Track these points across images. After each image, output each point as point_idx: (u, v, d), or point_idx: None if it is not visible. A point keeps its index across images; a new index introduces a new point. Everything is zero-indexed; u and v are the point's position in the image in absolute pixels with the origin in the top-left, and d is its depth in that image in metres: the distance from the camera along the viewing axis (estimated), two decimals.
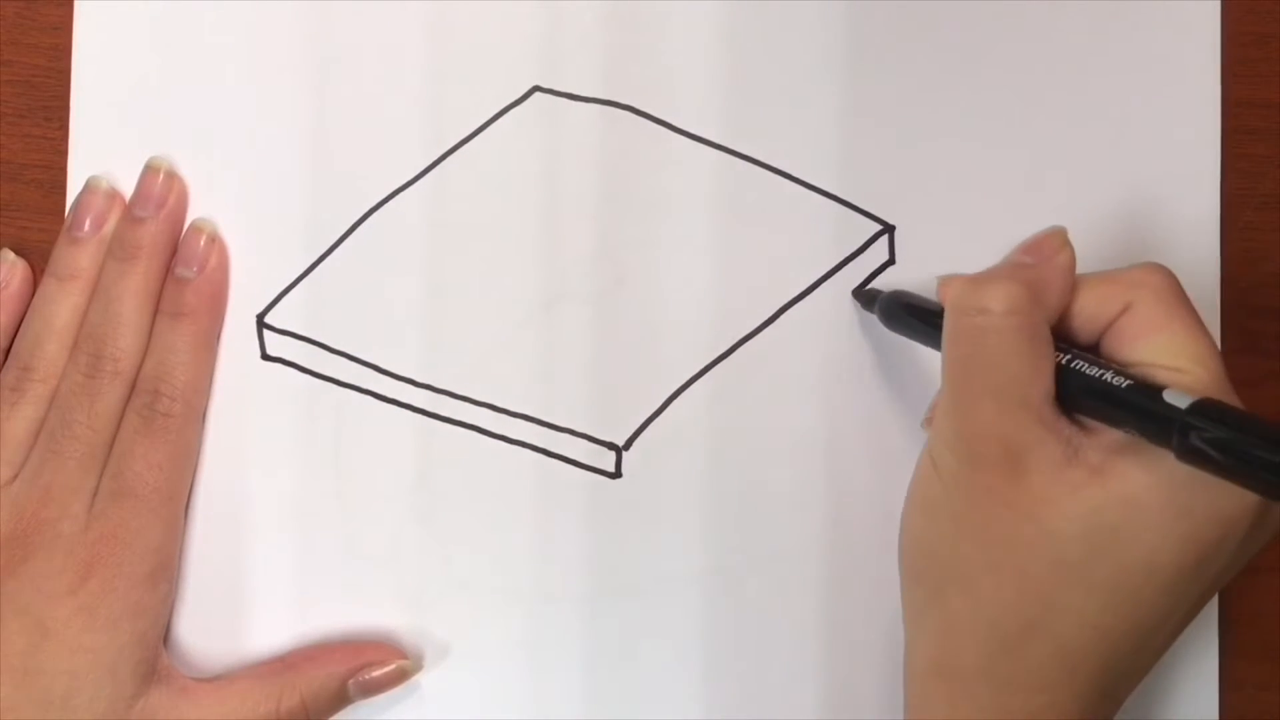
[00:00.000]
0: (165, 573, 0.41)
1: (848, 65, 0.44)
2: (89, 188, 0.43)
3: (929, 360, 0.43)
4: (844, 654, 0.40)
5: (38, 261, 0.44)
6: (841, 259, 0.43)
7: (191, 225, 0.43)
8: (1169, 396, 0.34)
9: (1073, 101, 0.44)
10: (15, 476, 0.41)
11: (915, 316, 0.40)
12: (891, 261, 0.43)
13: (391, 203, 0.44)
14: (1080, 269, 0.37)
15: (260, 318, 0.44)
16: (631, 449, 0.43)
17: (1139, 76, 0.44)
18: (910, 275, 0.43)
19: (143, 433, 0.41)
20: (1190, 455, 0.32)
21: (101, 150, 0.44)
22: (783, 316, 0.43)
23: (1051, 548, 0.35)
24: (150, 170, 0.43)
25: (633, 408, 0.43)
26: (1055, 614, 0.35)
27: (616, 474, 0.43)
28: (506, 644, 0.43)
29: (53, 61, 0.44)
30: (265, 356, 0.44)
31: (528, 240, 0.44)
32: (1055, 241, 0.38)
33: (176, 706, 0.41)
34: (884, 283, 0.43)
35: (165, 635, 0.42)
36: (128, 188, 0.43)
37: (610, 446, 0.43)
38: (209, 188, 0.44)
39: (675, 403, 0.43)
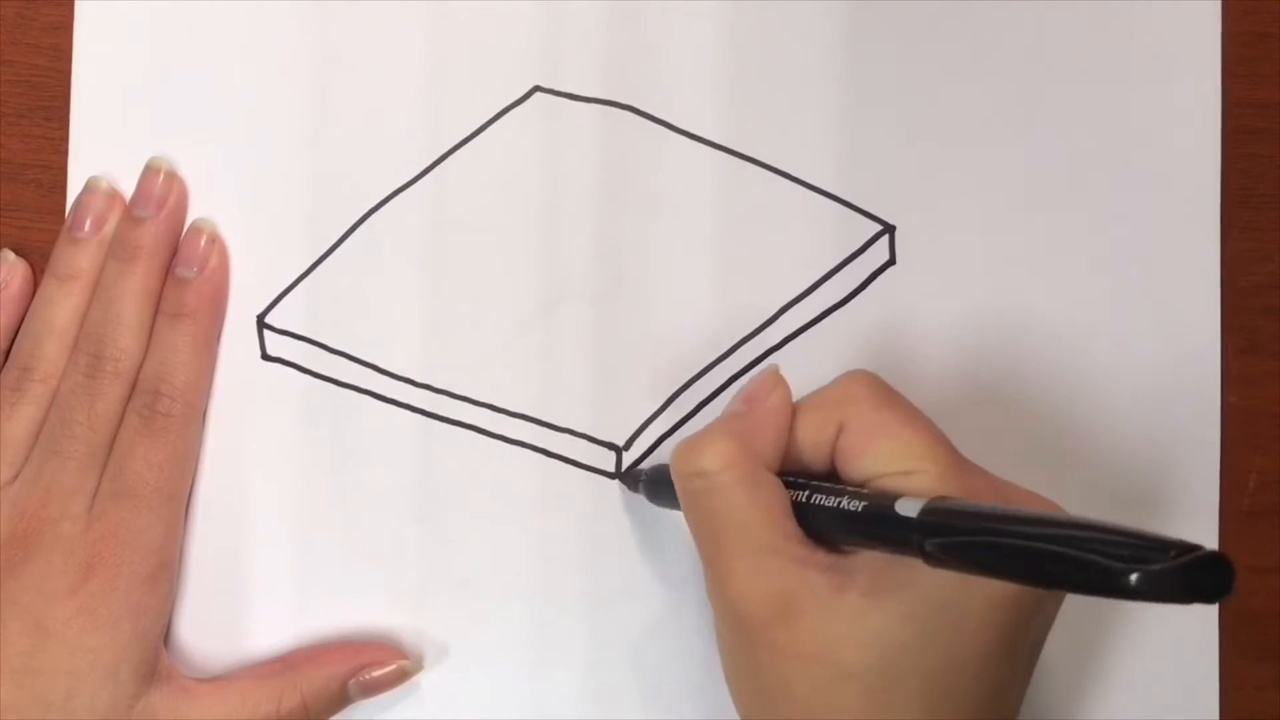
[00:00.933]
0: (166, 573, 0.41)
1: (848, 65, 0.44)
2: (89, 188, 0.43)
3: (930, 357, 0.43)
4: None
5: (38, 262, 0.44)
6: (842, 259, 0.43)
7: (192, 225, 0.43)
8: (900, 509, 0.33)
9: (1073, 101, 0.44)
10: (15, 477, 0.41)
11: (669, 488, 0.40)
12: (892, 262, 0.43)
13: (391, 203, 0.44)
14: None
15: (260, 318, 0.44)
16: (631, 449, 0.43)
17: (1139, 76, 0.44)
18: (910, 276, 0.43)
19: (143, 433, 0.41)
20: (939, 562, 0.32)
21: (102, 150, 0.44)
22: (783, 317, 0.43)
23: (853, 680, 0.35)
24: (150, 170, 0.43)
25: (633, 408, 0.43)
26: None
27: (617, 474, 0.43)
28: (506, 644, 0.43)
29: (53, 61, 0.44)
30: (265, 356, 0.44)
31: (528, 240, 0.44)
32: (767, 385, 0.38)
33: (177, 706, 0.41)
34: (885, 283, 0.43)
35: (165, 635, 0.42)
36: (128, 188, 0.43)
37: (610, 446, 0.43)
38: (209, 188, 0.44)
39: (675, 403, 0.43)
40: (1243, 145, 0.44)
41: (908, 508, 0.33)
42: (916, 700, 0.34)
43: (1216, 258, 0.44)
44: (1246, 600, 0.43)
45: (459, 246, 0.44)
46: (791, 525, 0.36)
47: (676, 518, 0.39)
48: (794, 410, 0.38)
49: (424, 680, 0.43)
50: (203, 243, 0.43)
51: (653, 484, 0.41)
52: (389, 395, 0.44)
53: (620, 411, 0.43)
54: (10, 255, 0.44)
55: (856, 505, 0.35)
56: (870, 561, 0.35)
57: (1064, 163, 0.44)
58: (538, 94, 0.44)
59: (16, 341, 0.43)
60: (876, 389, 0.37)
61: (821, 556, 0.36)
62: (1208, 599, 0.27)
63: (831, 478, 0.37)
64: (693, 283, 0.43)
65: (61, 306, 0.42)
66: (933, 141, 0.44)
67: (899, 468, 0.35)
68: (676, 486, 0.38)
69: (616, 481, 0.43)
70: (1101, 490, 0.43)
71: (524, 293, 0.44)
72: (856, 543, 0.35)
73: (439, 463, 0.43)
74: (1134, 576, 0.27)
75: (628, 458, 0.43)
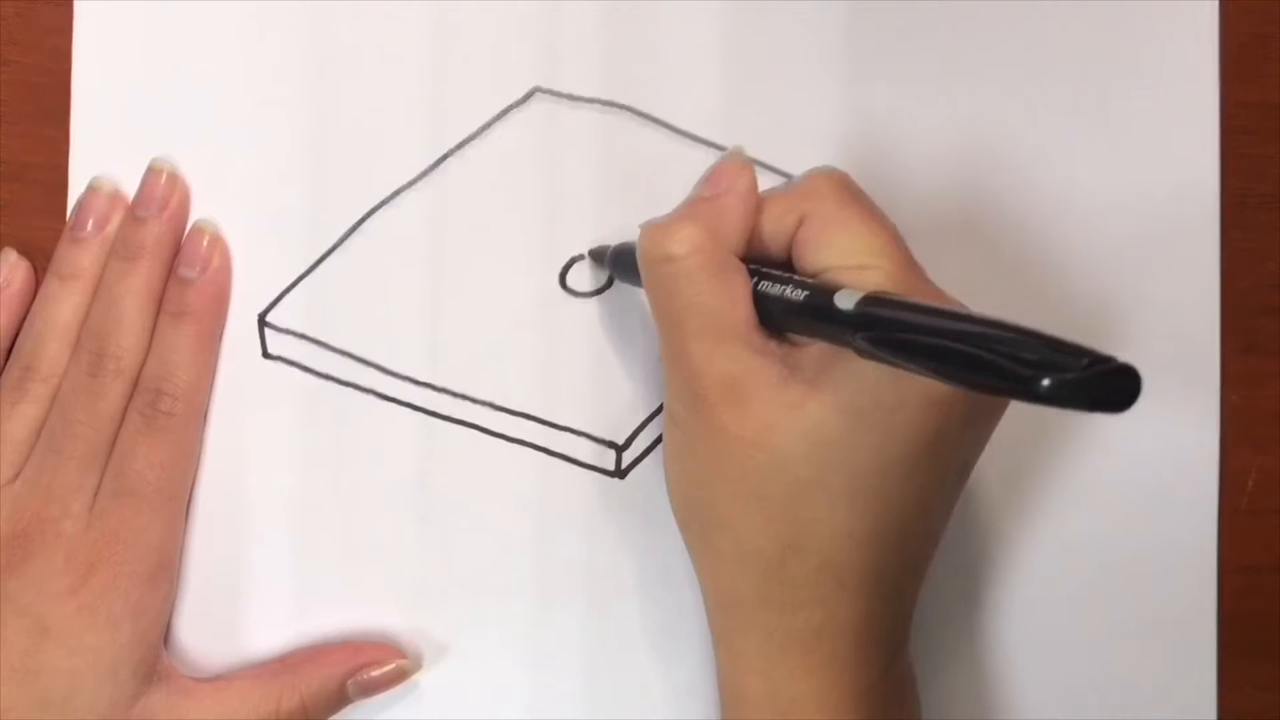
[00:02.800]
0: (166, 572, 0.42)
1: (847, 65, 0.44)
2: (92, 188, 0.43)
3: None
4: None
5: (40, 261, 0.44)
6: None
7: (194, 226, 0.44)
8: (839, 300, 0.33)
9: (1072, 101, 0.44)
10: (16, 476, 0.41)
11: (633, 265, 0.40)
12: None
13: (392, 203, 0.44)
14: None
15: (262, 317, 0.44)
16: (631, 447, 0.43)
17: (1139, 76, 0.44)
18: None
19: (144, 432, 0.41)
20: (869, 355, 0.32)
21: (102, 150, 0.44)
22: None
23: (785, 469, 0.35)
24: (153, 171, 0.43)
25: (633, 407, 0.43)
26: (807, 531, 0.36)
27: (617, 473, 0.43)
28: (506, 644, 0.43)
29: (54, 62, 0.44)
30: (266, 355, 0.44)
31: (528, 240, 0.44)
32: (732, 169, 0.38)
33: (176, 706, 0.41)
34: None
35: (165, 635, 0.42)
36: (128, 188, 0.44)
37: (611, 445, 0.43)
38: (210, 188, 0.44)
39: None
40: (1242, 145, 0.44)
41: (846, 300, 0.33)
42: (843, 497, 0.35)
43: (1216, 258, 0.43)
44: (1246, 600, 0.43)
45: (459, 246, 0.44)
46: (750, 312, 0.36)
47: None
48: (759, 198, 0.38)
49: (423, 680, 0.43)
50: (205, 243, 0.43)
51: (619, 261, 0.42)
52: (390, 394, 0.44)
53: (620, 410, 0.43)
54: (12, 255, 0.44)
55: (799, 294, 0.35)
56: (817, 353, 0.36)
57: (1063, 163, 0.44)
58: (538, 94, 0.44)
59: (18, 341, 0.43)
60: (843, 183, 0.37)
61: (774, 346, 0.36)
62: (1114, 408, 0.28)
63: (789, 268, 0.37)
64: None
65: (63, 306, 0.42)
66: (933, 141, 0.44)
67: (852, 261, 0.35)
68: (641, 269, 0.38)
69: (616, 481, 0.43)
70: (1101, 489, 0.43)
71: (524, 291, 0.44)
72: (801, 331, 0.36)
73: (439, 462, 0.44)
74: (1045, 382, 0.27)
75: (627, 456, 0.43)
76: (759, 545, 0.36)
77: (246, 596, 0.43)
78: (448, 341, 0.44)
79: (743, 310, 0.36)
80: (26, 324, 0.43)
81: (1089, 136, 0.44)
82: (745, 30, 0.44)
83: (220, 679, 0.42)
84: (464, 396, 0.43)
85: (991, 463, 0.43)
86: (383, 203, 0.44)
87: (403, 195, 0.44)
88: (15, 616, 0.40)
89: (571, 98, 0.44)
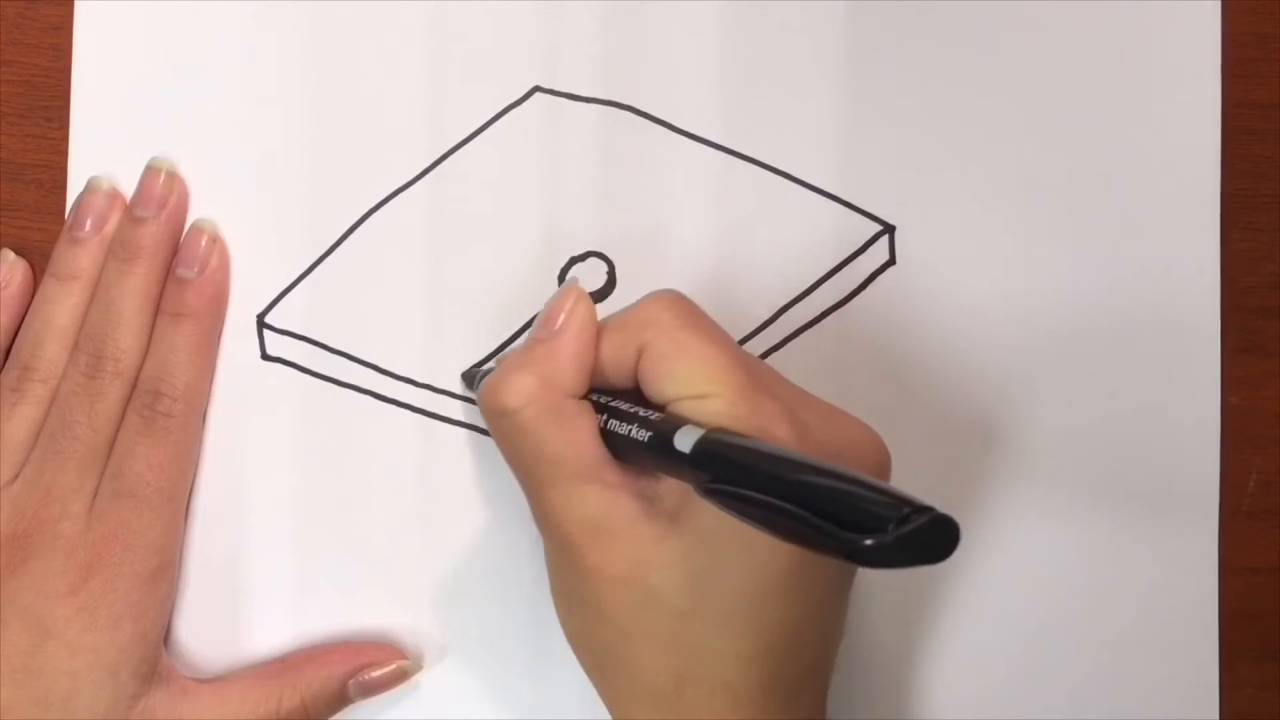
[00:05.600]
0: (166, 573, 0.41)
1: (848, 65, 0.44)
2: (90, 188, 0.43)
3: (930, 357, 0.43)
4: (843, 651, 0.40)
5: (38, 261, 0.44)
6: (841, 259, 0.43)
7: (193, 226, 0.43)
8: (677, 442, 0.33)
9: (1073, 101, 0.44)
10: (16, 477, 0.41)
11: None
12: (892, 262, 0.43)
13: (392, 203, 0.44)
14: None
15: (260, 318, 0.44)
16: None
17: (1139, 76, 0.44)
18: (910, 276, 0.43)
19: (143, 433, 0.41)
20: (707, 498, 0.32)
21: (102, 150, 0.44)
22: (782, 316, 0.43)
23: (662, 603, 0.35)
24: (151, 171, 0.43)
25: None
26: (695, 659, 0.35)
27: None
28: (506, 644, 0.43)
29: (53, 61, 0.44)
30: (265, 356, 0.44)
31: (528, 240, 0.44)
32: (566, 305, 0.37)
33: (176, 707, 0.41)
34: (885, 283, 0.43)
35: (165, 635, 0.42)
36: (128, 188, 0.43)
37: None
38: (209, 188, 0.44)
39: None
40: (1243, 145, 0.44)
41: (684, 441, 0.33)
42: (724, 622, 0.35)
43: (1216, 258, 0.43)
44: (1246, 600, 0.43)
45: (459, 246, 0.44)
46: (600, 450, 0.36)
47: None
48: (598, 329, 0.38)
49: (423, 680, 0.43)
50: (204, 243, 0.43)
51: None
52: (389, 395, 0.44)
53: None
54: (10, 255, 0.44)
55: (643, 434, 0.35)
56: (674, 485, 0.35)
57: (1064, 163, 0.44)
58: (538, 94, 0.44)
59: (17, 341, 0.43)
60: (678, 310, 0.37)
61: (632, 480, 0.36)
62: (933, 560, 0.28)
63: (638, 393, 0.37)
64: (692, 283, 0.43)
65: (62, 306, 0.42)
66: (933, 141, 0.44)
67: (694, 390, 0.35)
68: (485, 423, 0.38)
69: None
70: (1102, 490, 0.43)
71: (524, 292, 0.44)
72: (652, 468, 0.36)
73: (439, 463, 0.43)
74: (866, 543, 0.27)
75: None
76: (651, 678, 0.36)
77: (246, 597, 0.43)
78: (447, 342, 0.44)
79: (590, 451, 0.36)
80: (25, 324, 0.43)
81: (1089, 136, 0.44)
82: (745, 30, 0.44)
83: (221, 679, 0.42)
84: (463, 398, 0.43)
85: (992, 463, 0.43)
86: (382, 203, 0.44)
87: (402, 195, 0.44)
88: (15, 617, 0.40)
89: (571, 97, 0.44)
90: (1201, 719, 0.43)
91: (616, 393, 0.37)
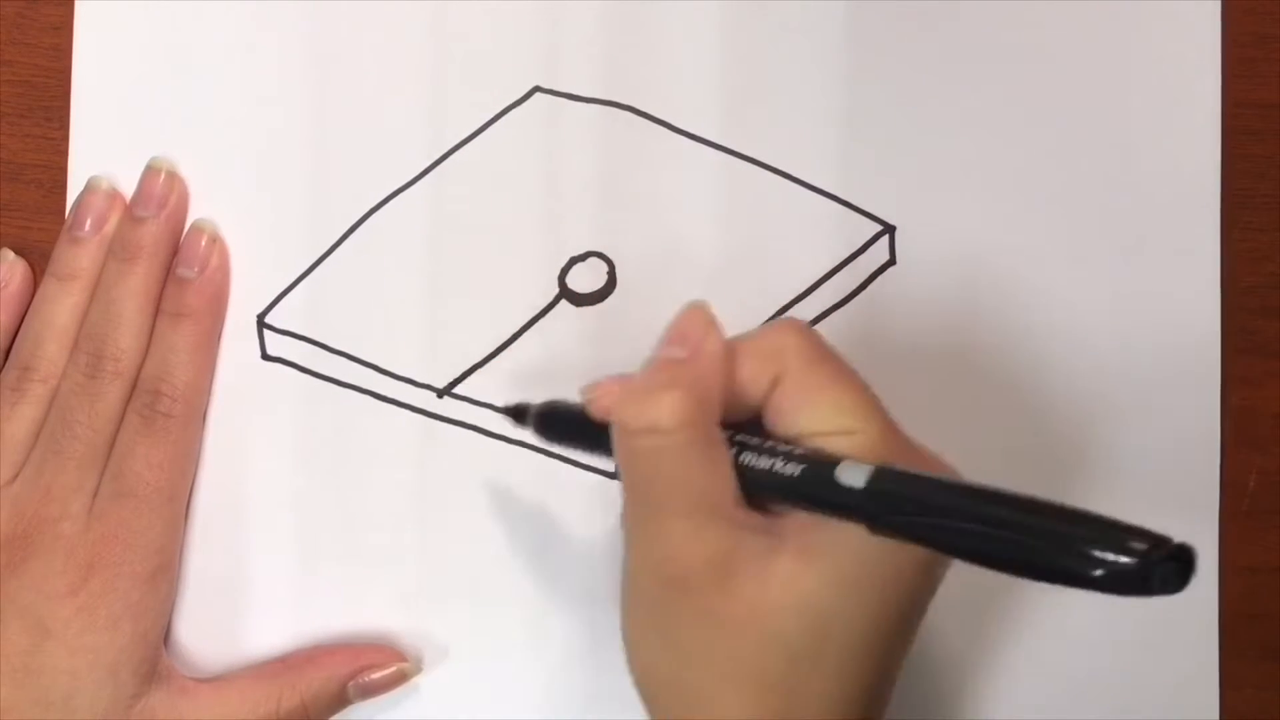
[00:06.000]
0: (166, 573, 0.41)
1: (847, 65, 0.44)
2: (90, 188, 0.43)
3: (930, 357, 0.43)
4: None
5: (38, 261, 0.44)
6: (842, 259, 0.43)
7: (193, 226, 0.43)
8: (843, 477, 0.32)
9: (1073, 101, 0.44)
10: (16, 477, 0.41)
11: (580, 431, 0.37)
12: (892, 262, 0.43)
13: (392, 203, 0.44)
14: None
15: (260, 318, 0.44)
16: None
17: (1139, 76, 0.44)
18: (911, 276, 0.43)
19: (143, 433, 0.41)
20: (885, 533, 0.31)
21: (102, 150, 0.44)
22: (782, 317, 0.43)
23: (780, 646, 0.33)
24: (151, 170, 0.43)
25: None
26: (800, 704, 0.34)
27: (617, 474, 0.43)
28: (506, 644, 0.43)
29: (53, 61, 0.44)
30: (265, 356, 0.44)
31: (528, 240, 0.44)
32: (701, 327, 0.35)
33: (176, 706, 0.41)
34: (885, 283, 0.43)
35: (165, 635, 0.42)
36: (128, 188, 0.44)
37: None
38: (209, 188, 0.44)
39: None
40: (1243, 145, 0.44)
41: (852, 475, 0.32)
42: (839, 666, 0.34)
43: (1216, 258, 0.43)
44: (1246, 601, 0.43)
45: (459, 246, 0.44)
46: (734, 487, 0.34)
47: None
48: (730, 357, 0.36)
49: (423, 680, 0.43)
50: (204, 243, 0.43)
51: (550, 423, 0.39)
52: (389, 395, 0.44)
53: None
54: (10, 255, 0.44)
55: (794, 469, 0.33)
56: (800, 522, 0.34)
57: (1064, 163, 0.44)
58: (538, 94, 0.44)
59: (17, 341, 0.43)
60: (812, 342, 0.35)
61: (756, 518, 0.34)
62: (1171, 591, 0.27)
63: (756, 424, 0.36)
64: (692, 283, 0.43)
65: (62, 306, 0.42)
66: (933, 141, 0.44)
67: (836, 426, 0.34)
68: (618, 440, 0.35)
69: (616, 482, 0.43)
70: (1102, 490, 0.43)
71: (524, 292, 0.44)
72: (793, 504, 0.34)
73: (439, 463, 0.43)
74: (1099, 572, 0.27)
75: None
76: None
77: (246, 597, 0.43)
78: (447, 342, 0.44)
79: (728, 486, 0.34)
80: (25, 324, 0.43)
81: (1089, 136, 0.44)
82: (745, 30, 0.44)
83: (220, 679, 0.42)
84: (463, 398, 0.43)
85: (992, 464, 0.43)
86: (382, 203, 0.44)
87: (402, 195, 0.44)
88: (15, 617, 0.40)
89: (571, 97, 0.44)
90: (1201, 719, 0.43)
91: (737, 425, 0.35)
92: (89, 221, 0.43)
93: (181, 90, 0.44)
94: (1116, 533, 0.28)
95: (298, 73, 0.44)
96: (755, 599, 0.33)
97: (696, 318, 0.36)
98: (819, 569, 0.33)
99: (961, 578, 0.43)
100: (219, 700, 0.41)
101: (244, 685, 0.42)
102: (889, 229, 0.43)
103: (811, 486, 0.33)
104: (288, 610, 0.43)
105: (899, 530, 0.31)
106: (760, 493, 0.34)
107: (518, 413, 0.40)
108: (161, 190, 0.43)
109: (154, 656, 0.41)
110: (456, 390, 0.43)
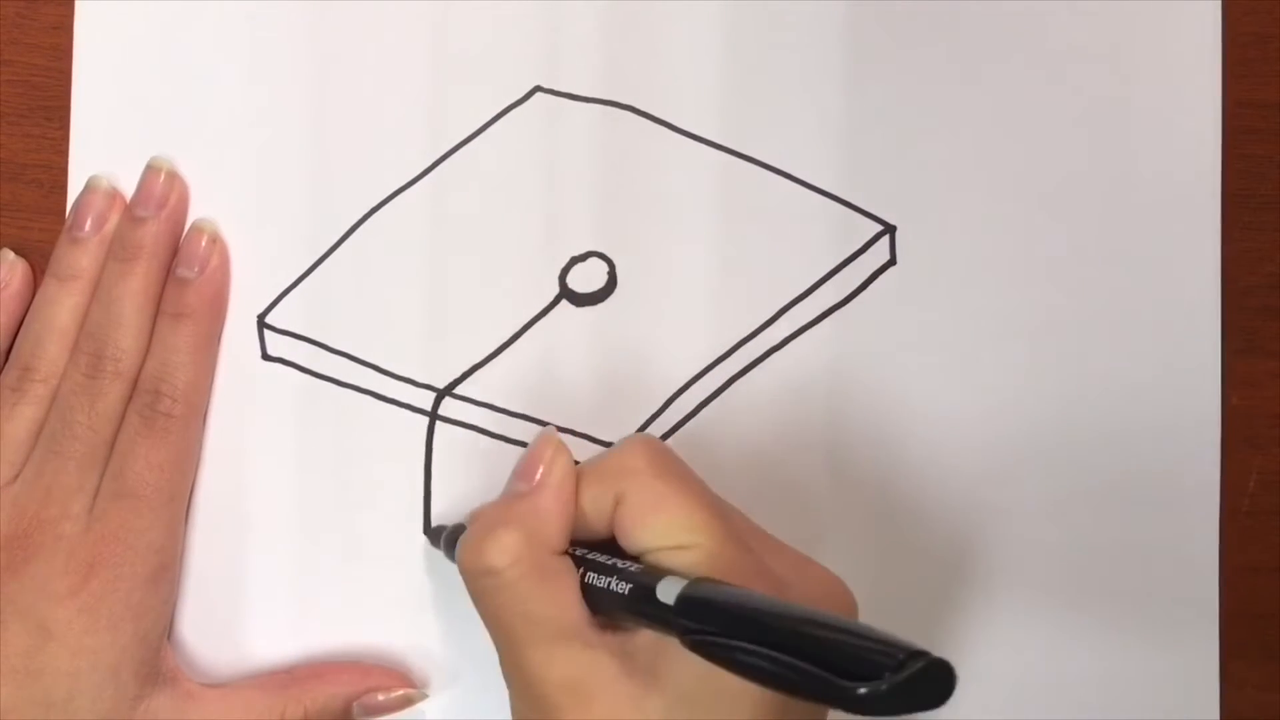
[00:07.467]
0: (167, 573, 0.41)
1: (847, 66, 0.44)
2: (89, 187, 0.43)
3: (930, 357, 0.43)
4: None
5: (38, 261, 0.44)
6: (842, 259, 0.43)
7: (193, 226, 0.43)
8: (660, 594, 0.33)
9: (1073, 101, 0.44)
10: (16, 477, 0.41)
11: None
12: (893, 262, 0.43)
13: (392, 203, 0.44)
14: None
15: (261, 318, 0.44)
16: None
17: (1139, 76, 0.44)
18: (911, 276, 0.43)
19: (144, 433, 0.41)
20: (694, 650, 0.32)
21: (102, 150, 0.44)
22: (783, 317, 0.43)
23: None
24: (151, 170, 0.43)
25: (633, 408, 0.43)
26: None
27: None
28: None
29: (53, 61, 0.44)
30: (266, 356, 0.44)
31: (528, 240, 0.44)
32: (545, 455, 0.37)
33: (180, 710, 0.41)
34: (885, 283, 0.43)
35: (170, 638, 0.42)
36: (128, 188, 0.44)
37: (610, 446, 0.43)
38: (210, 188, 0.44)
39: (675, 403, 0.43)
40: (1243, 145, 0.44)
41: (668, 592, 0.33)
42: None
43: (1216, 258, 0.43)
44: (1246, 601, 0.43)
45: (459, 246, 0.44)
46: (581, 609, 0.35)
47: None
48: (575, 482, 0.37)
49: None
50: (204, 243, 0.43)
51: (455, 543, 0.40)
52: (389, 395, 0.44)
53: (619, 412, 0.43)
54: (10, 255, 0.44)
55: (624, 587, 0.34)
56: (650, 639, 0.34)
57: (1064, 163, 0.44)
58: (538, 94, 0.44)
59: (17, 341, 0.43)
60: (655, 458, 0.36)
61: (610, 637, 0.35)
62: (931, 706, 0.28)
63: (613, 543, 0.37)
64: (693, 283, 0.43)
65: (62, 306, 0.42)
66: (933, 141, 0.44)
67: (673, 542, 0.35)
68: (465, 582, 0.37)
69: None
70: (1102, 491, 0.43)
71: (524, 292, 0.44)
72: (631, 621, 0.35)
73: (439, 463, 0.43)
74: (861, 691, 0.27)
75: None
76: None
77: (247, 597, 0.43)
78: (447, 342, 0.44)
79: (573, 611, 0.35)
80: (25, 324, 0.43)
81: (1089, 136, 0.44)
82: (745, 30, 0.44)
83: (227, 686, 0.42)
84: (463, 398, 0.43)
85: (992, 464, 0.43)
86: (382, 203, 0.44)
87: (402, 195, 0.44)
88: (16, 618, 0.40)
89: (572, 97, 0.44)
90: (1201, 719, 0.43)
91: (592, 544, 0.37)
92: (89, 221, 0.43)
93: (181, 90, 0.44)
94: (880, 649, 0.28)
95: (298, 73, 0.44)
96: (611, 718, 0.34)
97: (543, 448, 0.37)
98: (662, 688, 0.34)
99: (962, 577, 0.43)
100: (224, 707, 0.41)
101: (249, 694, 0.42)
102: (889, 229, 0.43)
103: (639, 604, 0.34)
104: (288, 610, 0.43)
105: (700, 648, 0.31)
106: (603, 611, 0.35)
107: (434, 535, 0.42)
108: (161, 190, 0.43)
109: (155, 657, 0.41)
110: (457, 390, 0.43)
